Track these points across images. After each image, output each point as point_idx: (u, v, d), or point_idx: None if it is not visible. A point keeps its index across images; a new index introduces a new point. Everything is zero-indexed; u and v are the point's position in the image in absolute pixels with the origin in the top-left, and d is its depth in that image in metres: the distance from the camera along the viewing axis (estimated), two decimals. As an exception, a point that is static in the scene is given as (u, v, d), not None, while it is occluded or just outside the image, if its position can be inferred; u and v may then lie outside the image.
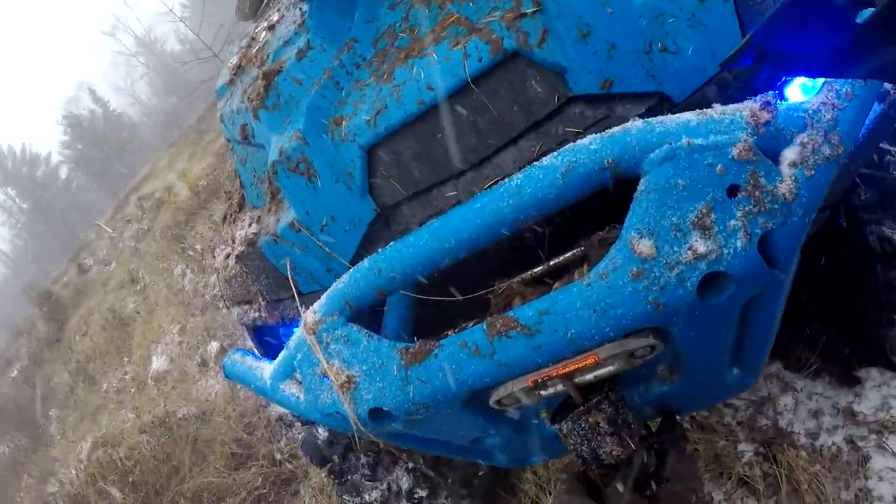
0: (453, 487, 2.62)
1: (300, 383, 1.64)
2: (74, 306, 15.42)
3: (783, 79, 1.33)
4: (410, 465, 2.59)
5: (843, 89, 1.18)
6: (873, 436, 2.13)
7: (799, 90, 1.35)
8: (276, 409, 4.32)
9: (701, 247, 1.18)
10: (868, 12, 0.53)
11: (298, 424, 2.59)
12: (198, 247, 9.58)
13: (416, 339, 1.44)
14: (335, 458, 2.64)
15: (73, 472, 5.21)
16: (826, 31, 0.55)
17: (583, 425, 1.49)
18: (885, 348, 2.16)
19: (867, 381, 2.21)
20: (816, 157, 1.18)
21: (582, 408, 1.46)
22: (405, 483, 2.61)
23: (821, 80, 1.26)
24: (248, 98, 1.93)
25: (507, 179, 1.31)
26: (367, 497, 2.69)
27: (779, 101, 1.22)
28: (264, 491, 3.75)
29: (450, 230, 1.33)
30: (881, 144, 1.80)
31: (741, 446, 2.36)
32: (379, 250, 1.46)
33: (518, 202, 1.27)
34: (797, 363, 2.37)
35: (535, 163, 1.30)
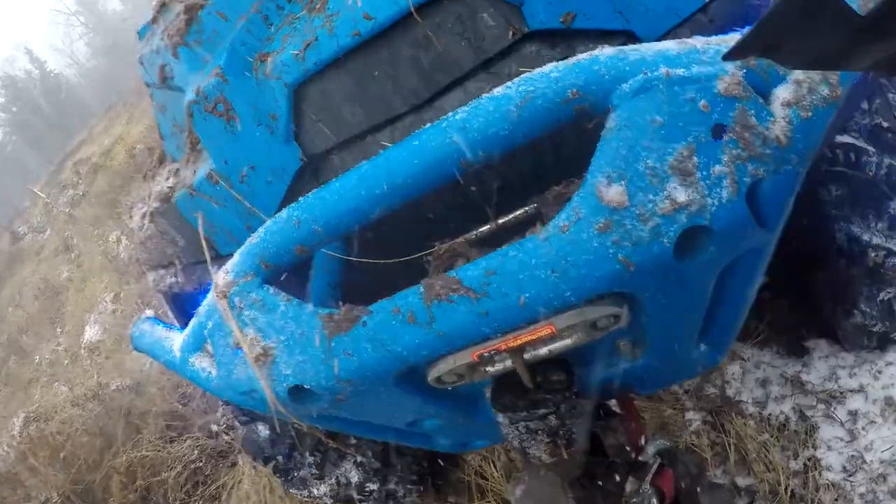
0: (402, 474, 2.35)
1: (212, 356, 1.32)
2: (7, 276, 14.32)
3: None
4: (359, 458, 2.31)
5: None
6: (821, 405, 1.98)
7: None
8: None
9: (681, 195, 0.91)
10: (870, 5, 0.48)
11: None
12: (126, 216, 8.93)
13: (341, 304, 1.13)
14: (280, 457, 2.31)
15: (5, 449, 4.70)
16: (827, 23, 0.51)
17: (520, 427, 1.24)
18: (836, 332, 1.98)
19: (815, 351, 2.04)
20: (813, 97, 0.94)
21: (524, 412, 1.23)
22: (354, 477, 2.33)
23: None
24: (168, 35, 1.57)
25: (450, 113, 1.01)
26: (315, 491, 2.40)
27: None
28: (200, 464, 3.42)
29: (382, 173, 1.04)
30: (857, 143, 1.62)
31: (689, 415, 2.19)
32: (299, 199, 1.14)
33: (464, 139, 0.98)
34: (744, 332, 2.18)
35: (485, 94, 1.00)
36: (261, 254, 1.17)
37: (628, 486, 1.34)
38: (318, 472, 2.26)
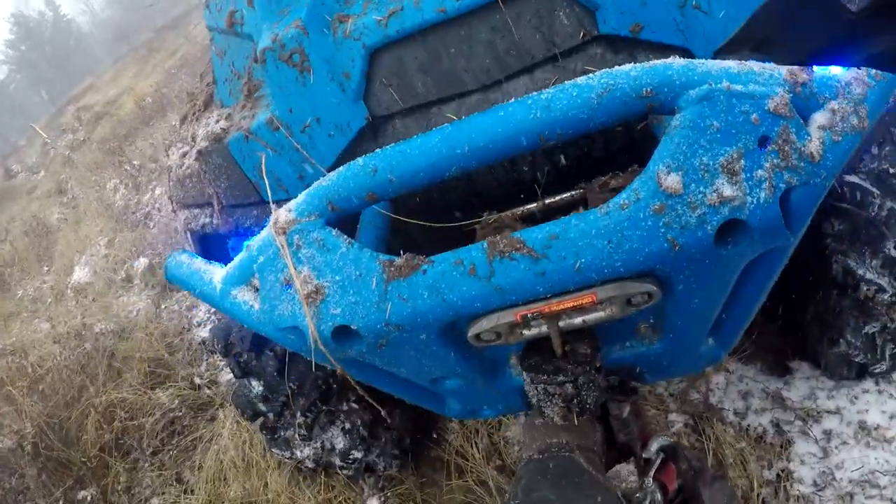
0: (385, 448, 2.44)
1: (257, 291, 1.41)
2: None
3: None
4: (347, 425, 2.38)
5: (874, 70, 1.14)
6: (798, 422, 2.18)
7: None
8: (200, 334, 3.96)
9: (727, 191, 1.08)
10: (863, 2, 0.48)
11: (219, 353, 2.28)
12: (136, 162, 8.77)
13: (402, 252, 1.26)
14: (270, 415, 2.37)
15: (-22, 379, 4.55)
16: (823, 20, 0.50)
17: (539, 388, 1.39)
18: (818, 358, 2.19)
19: (797, 371, 2.25)
20: (844, 124, 1.12)
21: (546, 375, 1.38)
22: (340, 443, 2.40)
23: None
24: (244, -17, 1.67)
25: (536, 93, 1.16)
26: (298, 453, 2.46)
27: (815, 68, 1.16)
28: (179, 414, 3.45)
29: (465, 135, 1.17)
30: (864, 184, 1.81)
31: (672, 416, 2.37)
32: (376, 151, 1.26)
33: (546, 116, 1.13)
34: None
35: (569, 81, 1.15)
36: (330, 196, 1.28)
37: (632, 480, 1.48)
38: (305, 434, 2.33)
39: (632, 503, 1.42)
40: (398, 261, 1.25)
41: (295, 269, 1.32)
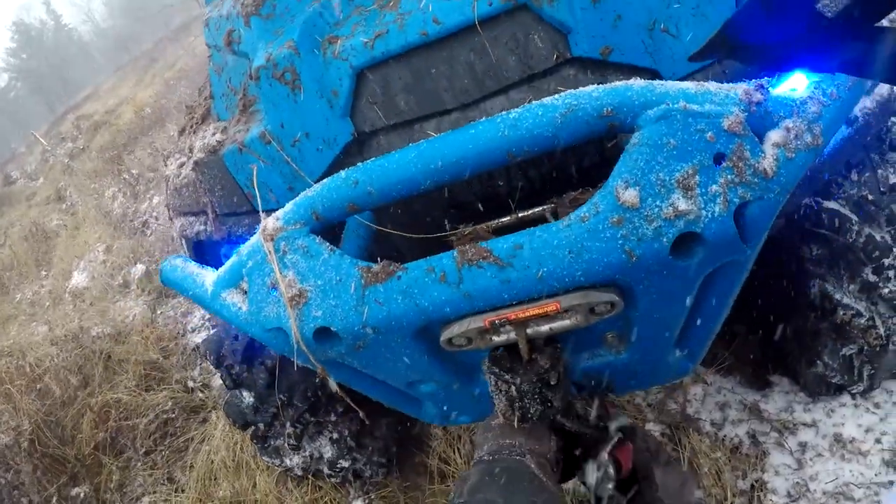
0: (372, 457, 2.50)
1: (245, 293, 1.49)
2: None
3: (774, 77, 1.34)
4: (335, 435, 2.44)
5: (829, 89, 1.21)
6: (774, 433, 2.20)
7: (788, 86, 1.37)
8: (194, 339, 4.04)
9: (682, 205, 1.15)
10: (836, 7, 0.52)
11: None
12: (134, 171, 8.92)
13: (379, 260, 1.33)
14: (261, 425, 2.44)
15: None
16: (795, 25, 0.54)
17: (492, 378, 1.44)
18: (797, 375, 2.23)
19: (775, 384, 2.28)
20: (798, 142, 1.18)
21: (502, 373, 1.42)
22: (328, 452, 2.47)
23: (808, 81, 1.29)
24: (242, 4, 1.77)
25: (505, 112, 1.24)
26: (287, 461, 2.53)
27: (771, 88, 1.23)
28: (173, 416, 3.52)
29: (439, 152, 1.25)
30: (843, 210, 1.84)
31: (649, 425, 2.39)
32: (358, 164, 1.34)
33: (513, 134, 1.20)
34: (710, 357, 2.42)
35: (536, 101, 1.23)
36: (314, 206, 1.36)
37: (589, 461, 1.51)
38: (294, 444, 2.40)
39: (585, 475, 1.45)
40: (375, 267, 1.33)
41: (280, 273, 1.40)
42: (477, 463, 1.37)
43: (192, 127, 2.03)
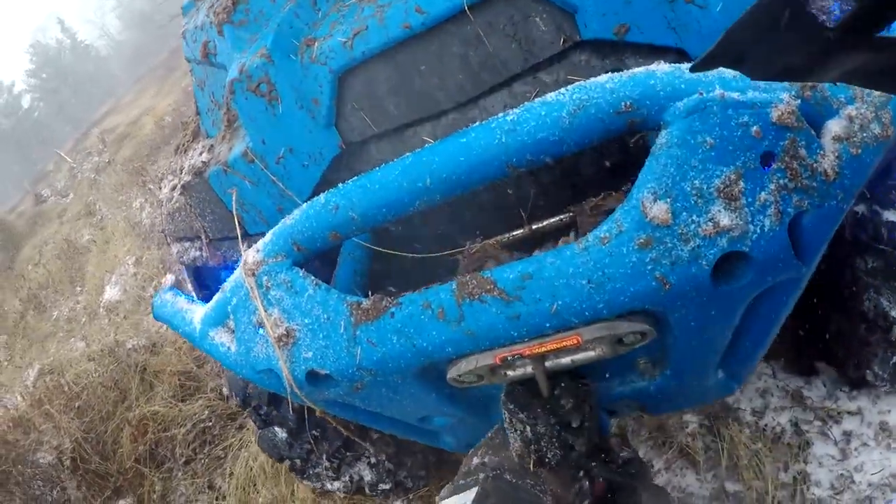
0: (412, 471, 2.36)
1: (233, 332, 1.32)
2: (29, 236, 14.39)
3: None
4: (373, 460, 2.32)
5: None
6: (818, 422, 1.98)
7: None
8: None
9: (724, 219, 0.91)
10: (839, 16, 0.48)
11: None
12: (157, 183, 8.96)
13: (370, 294, 1.13)
14: (296, 460, 2.33)
15: (19, 397, 4.72)
16: (796, 35, 0.51)
17: (507, 416, 1.23)
18: (842, 372, 1.99)
19: (821, 371, 2.04)
20: (865, 134, 0.93)
21: (518, 411, 1.22)
22: (368, 476, 2.35)
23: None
24: (214, 12, 1.57)
25: (502, 114, 1.01)
26: (328, 486, 2.42)
27: None
28: (209, 424, 3.44)
29: (426, 167, 1.03)
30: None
31: (686, 416, 2.18)
32: (339, 185, 1.14)
33: (512, 141, 0.97)
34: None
35: (539, 98, 1.00)
36: (294, 236, 1.17)
37: None
38: (333, 475, 2.28)
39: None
40: (365, 303, 1.13)
41: (265, 311, 1.22)
42: (496, 478, 1.18)
43: (183, 145, 1.87)
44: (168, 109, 13.52)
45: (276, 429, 2.25)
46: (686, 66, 0.98)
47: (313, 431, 2.21)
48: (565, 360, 1.14)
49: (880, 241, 1.59)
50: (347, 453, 2.33)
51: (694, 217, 0.91)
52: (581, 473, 1.26)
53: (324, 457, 2.31)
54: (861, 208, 1.63)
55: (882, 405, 1.94)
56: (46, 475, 3.29)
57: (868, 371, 1.89)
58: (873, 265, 1.68)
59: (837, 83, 0.90)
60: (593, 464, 1.29)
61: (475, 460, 1.28)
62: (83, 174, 14.39)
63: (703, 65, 0.60)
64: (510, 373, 1.18)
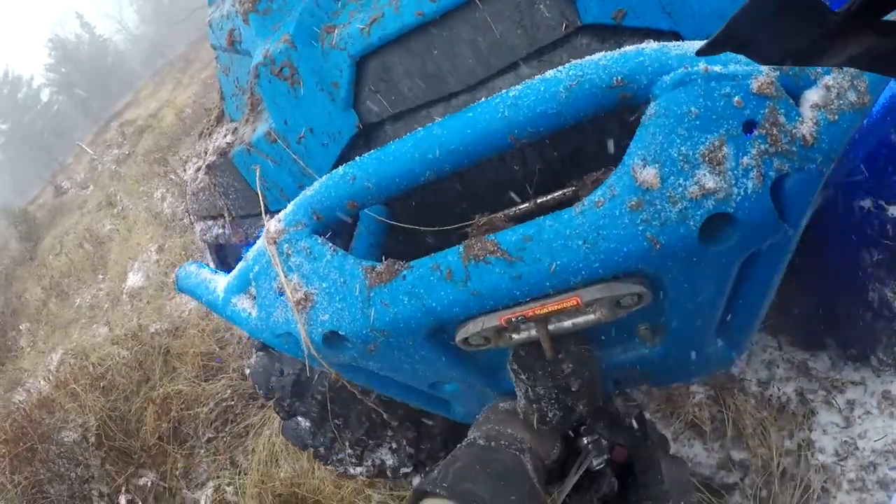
0: (432, 452, 2.45)
1: (254, 299, 1.42)
2: (49, 227, 14.70)
3: None
4: (394, 444, 2.41)
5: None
6: (822, 392, 2.06)
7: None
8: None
9: (709, 182, 0.99)
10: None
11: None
12: (180, 171, 9.16)
13: (384, 259, 1.23)
14: (320, 448, 2.43)
15: (42, 381, 4.89)
16: (801, 20, 0.52)
17: (523, 386, 1.31)
18: (846, 349, 2.04)
19: (828, 347, 2.10)
20: (841, 101, 1.00)
21: (522, 371, 1.29)
22: (390, 461, 2.45)
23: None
24: (240, 2, 1.68)
25: (504, 90, 1.10)
26: (351, 471, 2.52)
27: None
28: (232, 403, 3.58)
29: (436, 140, 1.12)
30: None
31: (693, 388, 2.26)
32: (355, 158, 1.24)
33: (514, 115, 1.07)
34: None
35: (538, 76, 1.09)
36: (314, 205, 1.27)
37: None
38: (356, 461, 2.38)
39: (580, 453, 1.33)
40: (379, 267, 1.22)
41: (285, 276, 1.32)
42: (470, 445, 1.25)
43: (207, 129, 1.98)
44: (188, 101, 13.76)
45: (300, 419, 2.36)
46: (673, 43, 1.06)
47: (336, 421, 2.31)
48: (567, 323, 1.22)
49: (885, 236, 1.65)
50: (370, 441, 2.42)
51: (681, 181, 0.99)
52: (577, 434, 1.35)
53: (347, 444, 2.40)
54: (866, 203, 1.68)
55: (886, 376, 2.01)
56: (71, 452, 3.42)
57: (872, 356, 1.95)
58: (879, 258, 1.74)
59: (842, 67, 0.96)
60: (601, 425, 1.37)
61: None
62: (104, 166, 14.66)
63: (708, 50, 0.62)
64: (515, 336, 1.26)
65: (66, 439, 3.50)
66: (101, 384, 3.83)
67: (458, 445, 1.32)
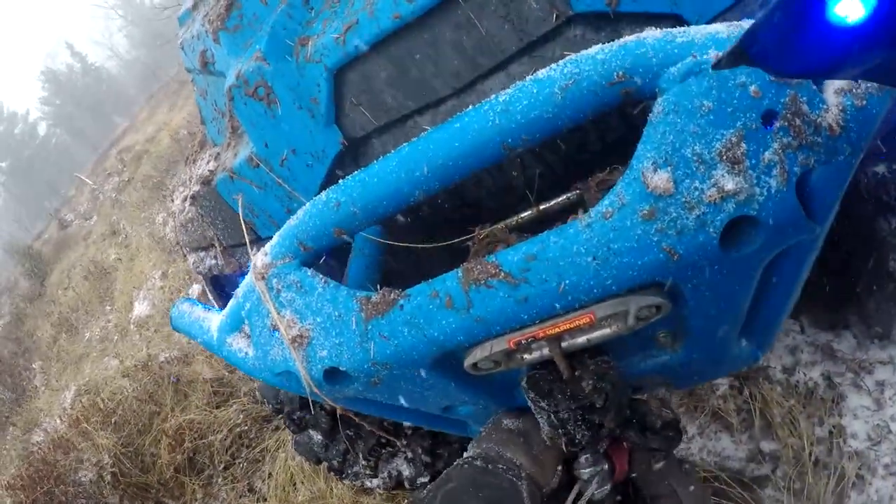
0: (450, 460, 2.38)
1: (249, 337, 1.34)
2: (56, 261, 14.85)
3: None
4: (409, 454, 2.35)
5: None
6: (850, 374, 1.96)
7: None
8: None
9: (728, 184, 0.89)
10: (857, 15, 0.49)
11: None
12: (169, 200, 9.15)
13: (379, 288, 1.14)
14: (333, 461, 2.37)
15: (58, 420, 4.89)
16: (818, 33, 0.51)
17: (545, 413, 1.22)
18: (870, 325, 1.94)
19: (852, 325, 2.00)
20: (868, 84, 0.89)
21: (541, 398, 1.20)
22: (406, 471, 2.39)
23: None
24: (209, 20, 1.60)
25: (494, 95, 1.01)
26: (368, 483, 2.47)
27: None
28: (245, 428, 3.54)
29: (422, 156, 1.03)
30: None
31: (716, 380, 2.16)
32: (339, 181, 1.15)
33: (506, 122, 0.97)
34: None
35: (530, 77, 0.99)
36: (299, 236, 1.18)
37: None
38: (371, 473, 2.32)
39: (576, 469, 1.27)
40: (374, 297, 1.14)
41: (278, 313, 1.24)
42: (466, 465, 1.18)
43: (192, 156, 1.90)
44: (183, 122, 13.79)
45: (311, 432, 2.30)
46: (678, 30, 0.96)
47: (347, 431, 2.24)
48: (581, 339, 1.13)
49: None
50: (383, 451, 2.36)
51: (697, 184, 0.90)
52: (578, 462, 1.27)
53: (360, 456, 2.34)
54: (881, 168, 1.59)
55: (915, 351, 1.91)
56: (89, 492, 3.40)
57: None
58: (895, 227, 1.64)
59: (860, 81, 0.89)
60: (630, 433, 1.29)
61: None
62: (105, 195, 14.76)
63: (724, 63, 0.61)
64: (527, 356, 1.18)
65: (82, 479, 3.48)
66: (113, 420, 3.80)
67: (455, 462, 1.26)
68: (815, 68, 0.56)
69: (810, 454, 1.89)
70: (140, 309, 6.42)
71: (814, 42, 0.51)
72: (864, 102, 0.89)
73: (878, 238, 1.65)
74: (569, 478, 1.31)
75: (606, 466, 1.30)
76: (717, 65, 0.60)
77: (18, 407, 7.17)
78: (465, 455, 1.29)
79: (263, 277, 1.24)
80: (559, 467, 1.28)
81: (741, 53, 0.57)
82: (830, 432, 1.91)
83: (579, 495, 1.26)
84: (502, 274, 1.00)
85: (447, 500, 1.08)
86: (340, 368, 1.19)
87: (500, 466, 1.17)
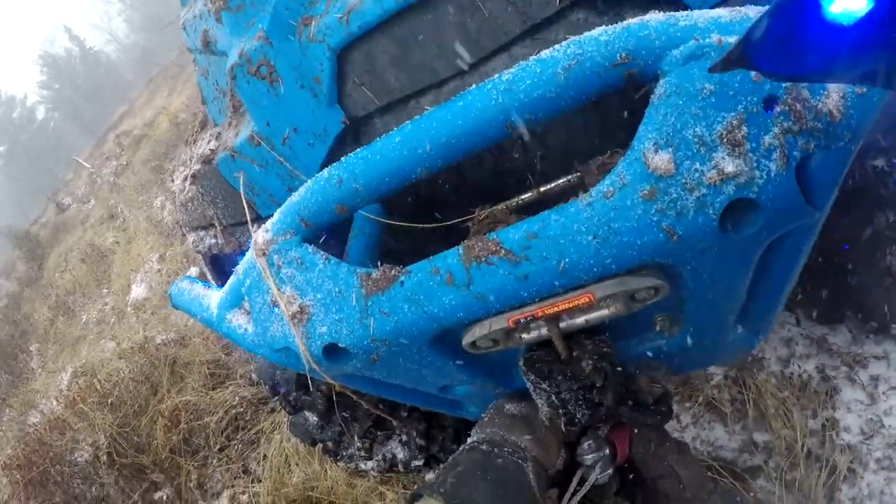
0: (445, 444, 2.40)
1: (249, 314, 1.35)
2: (53, 244, 14.81)
3: None
4: (404, 437, 2.36)
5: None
6: (844, 368, 1.98)
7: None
8: None
9: (729, 166, 0.90)
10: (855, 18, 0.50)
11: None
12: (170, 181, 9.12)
13: (380, 264, 1.15)
14: (328, 442, 2.38)
15: (54, 401, 4.90)
16: (815, 38, 0.52)
17: (544, 394, 1.24)
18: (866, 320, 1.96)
19: (847, 319, 2.02)
20: None
21: (541, 379, 1.22)
22: (400, 454, 2.40)
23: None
24: (211, 0, 1.59)
25: (497, 75, 1.01)
26: (362, 465, 2.49)
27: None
28: (241, 409, 3.56)
29: (425, 133, 1.04)
30: None
31: (711, 369, 2.20)
32: (341, 159, 1.15)
33: (509, 100, 0.98)
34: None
35: (533, 57, 1.00)
36: (301, 212, 1.19)
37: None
38: (366, 455, 2.33)
39: (579, 454, 1.29)
40: (375, 274, 1.15)
41: (278, 289, 1.25)
42: (472, 449, 1.21)
43: (192, 136, 1.90)
44: (182, 107, 13.72)
45: (307, 413, 2.31)
46: (681, 13, 0.97)
47: (343, 413, 2.25)
48: (579, 319, 1.14)
49: None
50: (378, 433, 2.37)
51: (697, 165, 0.91)
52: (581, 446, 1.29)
53: (355, 437, 2.36)
54: (880, 162, 1.60)
55: (910, 347, 1.94)
56: (84, 472, 3.41)
57: (893, 326, 1.87)
58: (894, 220, 1.65)
59: (856, 84, 0.90)
60: (623, 409, 1.31)
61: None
62: (103, 179, 14.67)
63: (722, 67, 0.62)
64: (525, 336, 1.19)
65: (78, 459, 3.49)
66: (109, 401, 3.80)
67: (461, 448, 1.28)
68: (813, 70, 0.56)
69: (803, 446, 1.91)
70: (137, 292, 6.41)
71: (811, 43, 0.52)
72: (865, 89, 0.90)
73: (875, 232, 1.66)
74: (571, 458, 1.33)
75: (608, 451, 1.31)
76: (714, 69, 0.62)
77: (15, 389, 7.17)
78: (469, 440, 1.31)
79: (264, 254, 1.24)
80: (562, 449, 1.30)
81: (739, 57, 0.58)
82: (823, 425, 1.94)
83: (583, 480, 1.28)
84: (503, 251, 1.01)
85: (456, 484, 1.10)
86: (340, 345, 1.20)
87: (506, 450, 1.20)
